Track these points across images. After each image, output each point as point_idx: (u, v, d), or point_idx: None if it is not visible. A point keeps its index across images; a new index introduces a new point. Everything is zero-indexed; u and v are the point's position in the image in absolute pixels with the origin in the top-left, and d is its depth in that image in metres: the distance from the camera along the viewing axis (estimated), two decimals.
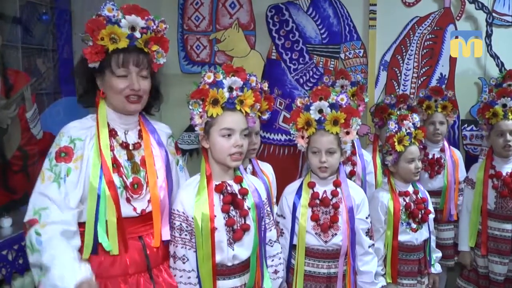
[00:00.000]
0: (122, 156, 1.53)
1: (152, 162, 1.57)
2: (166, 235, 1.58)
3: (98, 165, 1.47)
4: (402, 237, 2.06)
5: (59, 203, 1.41)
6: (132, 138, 1.58)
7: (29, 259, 1.38)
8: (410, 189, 2.14)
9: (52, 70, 2.48)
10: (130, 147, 1.56)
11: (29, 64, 2.30)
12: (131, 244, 1.51)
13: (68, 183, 1.44)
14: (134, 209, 1.52)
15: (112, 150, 1.51)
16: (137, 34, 1.48)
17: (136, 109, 1.56)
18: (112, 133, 1.54)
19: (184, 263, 1.57)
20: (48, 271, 1.31)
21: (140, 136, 1.60)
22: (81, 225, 1.46)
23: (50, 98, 2.44)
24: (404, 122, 2.05)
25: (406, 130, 2.04)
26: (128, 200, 1.51)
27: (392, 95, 2.76)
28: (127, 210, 1.51)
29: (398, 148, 2.04)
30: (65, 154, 1.45)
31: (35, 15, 2.36)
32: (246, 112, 1.61)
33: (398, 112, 2.61)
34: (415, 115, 2.09)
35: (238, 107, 1.59)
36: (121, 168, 1.51)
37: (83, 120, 1.55)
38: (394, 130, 2.05)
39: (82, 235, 1.45)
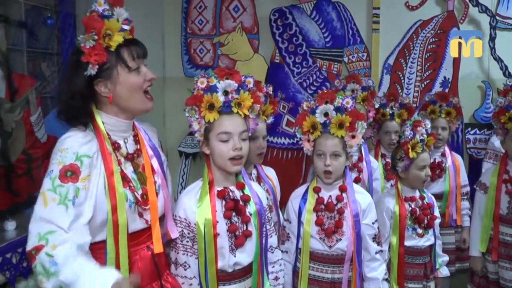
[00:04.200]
0: (127, 168, 1.46)
1: (150, 168, 1.51)
2: (174, 234, 1.57)
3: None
4: (408, 242, 2.06)
5: (67, 227, 1.27)
6: (131, 146, 1.51)
7: (46, 285, 1.21)
8: (417, 194, 2.14)
9: (56, 74, 2.48)
10: (135, 158, 1.49)
11: (33, 68, 2.31)
12: (142, 255, 1.47)
13: (77, 205, 1.30)
14: (146, 221, 1.48)
15: (120, 164, 1.42)
16: (125, 26, 1.39)
17: (152, 107, 1.49)
18: (115, 146, 1.44)
19: (185, 269, 1.56)
20: (74, 284, 1.19)
21: (136, 141, 1.53)
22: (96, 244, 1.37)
23: (55, 101, 2.45)
24: (418, 128, 2.04)
25: (419, 136, 2.04)
26: (140, 215, 1.45)
27: (381, 95, 2.76)
28: (139, 225, 1.46)
29: (411, 154, 2.03)
30: (72, 173, 1.30)
31: (40, 19, 2.36)
32: (245, 114, 1.59)
33: (390, 112, 2.62)
34: (427, 121, 2.08)
35: (235, 110, 1.56)
36: (131, 183, 1.44)
37: (79, 133, 1.39)
38: (409, 137, 2.04)
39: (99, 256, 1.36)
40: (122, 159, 1.45)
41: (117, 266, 1.37)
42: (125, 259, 1.39)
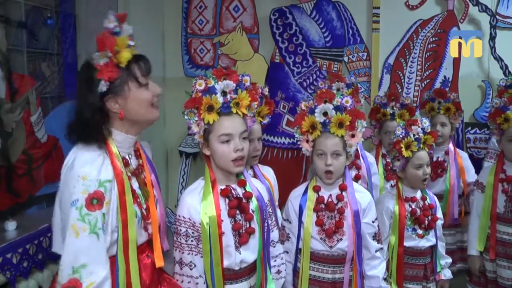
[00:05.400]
0: (134, 184, 1.46)
1: (150, 181, 1.53)
2: (166, 246, 1.62)
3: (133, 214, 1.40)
4: (407, 243, 2.05)
5: (101, 256, 1.31)
6: (134, 161, 1.51)
7: None
8: (418, 194, 2.12)
9: (56, 74, 2.49)
10: (139, 173, 1.50)
11: (34, 68, 2.31)
12: (144, 264, 1.48)
13: (106, 231, 1.33)
14: (149, 235, 1.49)
15: (129, 180, 1.42)
16: (130, 42, 1.40)
17: (158, 116, 1.50)
18: (124, 162, 1.43)
19: (191, 269, 1.57)
20: None
21: (137, 156, 1.54)
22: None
23: (55, 101, 2.45)
24: (413, 127, 2.02)
25: (414, 135, 2.02)
26: (145, 229, 1.47)
27: (382, 95, 2.76)
28: (143, 238, 1.48)
29: (406, 153, 2.01)
30: (98, 201, 1.30)
31: (40, 20, 2.37)
32: (243, 113, 1.59)
33: (391, 111, 2.62)
34: (425, 120, 2.06)
35: (234, 110, 1.57)
36: (138, 199, 1.45)
37: (92, 154, 1.36)
38: (401, 136, 2.03)
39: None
40: (130, 175, 1.45)
41: (128, 279, 1.39)
42: (136, 273, 1.40)
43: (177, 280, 1.59)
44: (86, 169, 1.32)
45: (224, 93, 1.55)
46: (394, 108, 2.64)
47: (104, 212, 1.32)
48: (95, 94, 1.36)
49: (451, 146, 2.67)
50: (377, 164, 2.58)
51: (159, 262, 1.50)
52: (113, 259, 1.38)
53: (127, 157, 1.47)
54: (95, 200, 1.30)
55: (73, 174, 1.32)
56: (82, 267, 1.27)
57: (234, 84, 1.57)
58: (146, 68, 1.44)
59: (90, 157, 1.35)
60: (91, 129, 1.37)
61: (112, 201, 1.36)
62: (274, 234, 1.78)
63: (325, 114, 1.77)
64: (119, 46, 1.36)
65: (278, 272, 1.79)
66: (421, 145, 2.04)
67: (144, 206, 1.47)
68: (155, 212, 1.50)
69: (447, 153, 2.66)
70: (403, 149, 2.02)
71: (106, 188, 1.33)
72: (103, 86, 1.35)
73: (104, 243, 1.32)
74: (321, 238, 1.81)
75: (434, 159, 2.61)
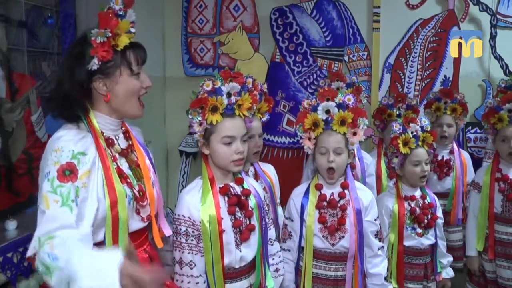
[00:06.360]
0: (123, 164, 1.42)
1: (144, 162, 1.49)
2: (168, 231, 1.57)
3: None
4: (407, 242, 2.05)
5: (72, 224, 1.21)
6: (123, 142, 1.47)
7: (51, 283, 1.11)
8: (418, 193, 2.11)
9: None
10: (129, 153, 1.46)
11: (34, 68, 2.31)
12: (140, 258, 1.41)
13: (80, 206, 1.24)
14: (143, 219, 1.45)
15: (115, 161, 1.38)
16: (132, 29, 1.38)
17: (143, 115, 1.47)
18: (109, 142, 1.39)
19: (191, 268, 1.56)
20: (77, 276, 1.07)
21: (126, 137, 1.50)
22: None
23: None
24: (411, 124, 2.02)
25: (412, 132, 2.02)
26: (137, 212, 1.42)
27: (389, 96, 2.76)
28: (137, 224, 1.43)
29: (404, 150, 2.01)
30: (70, 172, 1.24)
31: (40, 19, 2.36)
32: (244, 115, 1.61)
33: (397, 112, 2.62)
34: (424, 118, 2.06)
35: (237, 113, 1.59)
36: (128, 179, 1.41)
37: (72, 130, 1.34)
38: (398, 132, 2.03)
39: None
40: (117, 155, 1.42)
41: None
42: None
43: (177, 280, 1.58)
44: (62, 143, 1.28)
45: (229, 95, 1.57)
46: (401, 110, 2.64)
47: (79, 186, 1.25)
48: (83, 69, 1.33)
49: (454, 145, 2.68)
50: (379, 163, 2.58)
51: (158, 242, 1.46)
52: (100, 245, 1.32)
53: (113, 137, 1.43)
54: (67, 172, 1.24)
55: (49, 149, 1.29)
56: (49, 238, 1.16)
57: (240, 87, 1.58)
58: (141, 57, 1.42)
59: (67, 131, 1.33)
60: (69, 103, 1.34)
61: (92, 176, 1.30)
62: (272, 232, 1.79)
63: (327, 112, 1.78)
64: (120, 29, 1.34)
65: (277, 270, 1.80)
66: (420, 143, 2.04)
67: (136, 188, 1.43)
68: (153, 194, 1.47)
69: (451, 152, 2.66)
70: (401, 145, 2.02)
71: (80, 161, 1.27)
72: (94, 64, 1.32)
73: (77, 215, 1.23)
74: (323, 236, 1.81)
75: (439, 158, 2.62)
